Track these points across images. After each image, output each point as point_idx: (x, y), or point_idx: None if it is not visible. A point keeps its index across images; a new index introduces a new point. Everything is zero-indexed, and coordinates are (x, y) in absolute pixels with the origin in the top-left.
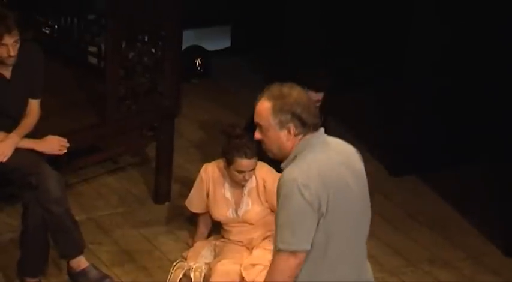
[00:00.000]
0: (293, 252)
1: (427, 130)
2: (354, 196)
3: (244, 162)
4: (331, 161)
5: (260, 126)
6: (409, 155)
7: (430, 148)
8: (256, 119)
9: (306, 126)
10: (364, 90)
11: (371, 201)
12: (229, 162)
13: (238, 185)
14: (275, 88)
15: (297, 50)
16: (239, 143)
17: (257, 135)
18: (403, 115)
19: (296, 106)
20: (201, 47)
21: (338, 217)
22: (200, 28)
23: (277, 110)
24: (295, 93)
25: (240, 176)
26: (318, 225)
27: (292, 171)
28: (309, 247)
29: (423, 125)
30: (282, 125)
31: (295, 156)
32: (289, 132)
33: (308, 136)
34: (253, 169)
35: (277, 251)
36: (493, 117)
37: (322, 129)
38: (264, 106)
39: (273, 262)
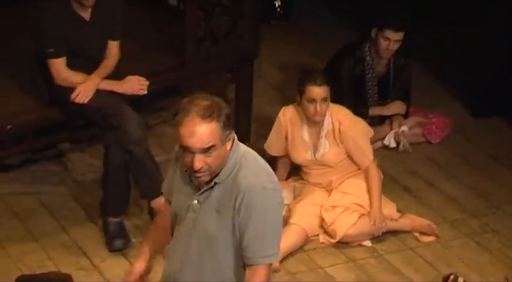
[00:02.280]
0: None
1: (509, 71)
2: None
3: (315, 90)
4: None
5: (209, 149)
6: (492, 96)
7: None
8: (205, 144)
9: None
10: (445, 30)
11: (452, 142)
12: (301, 94)
13: (315, 127)
14: (199, 105)
15: None
16: (310, 72)
17: (200, 163)
18: (486, 55)
19: (226, 109)
20: None
21: None
22: None
23: (224, 124)
24: (213, 98)
25: (312, 108)
26: None
27: (256, 179)
28: None
29: (507, 65)
30: (228, 136)
31: (240, 163)
32: (231, 140)
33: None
34: (325, 100)
35: (260, 266)
36: None
37: None
38: (209, 128)
39: (258, 278)
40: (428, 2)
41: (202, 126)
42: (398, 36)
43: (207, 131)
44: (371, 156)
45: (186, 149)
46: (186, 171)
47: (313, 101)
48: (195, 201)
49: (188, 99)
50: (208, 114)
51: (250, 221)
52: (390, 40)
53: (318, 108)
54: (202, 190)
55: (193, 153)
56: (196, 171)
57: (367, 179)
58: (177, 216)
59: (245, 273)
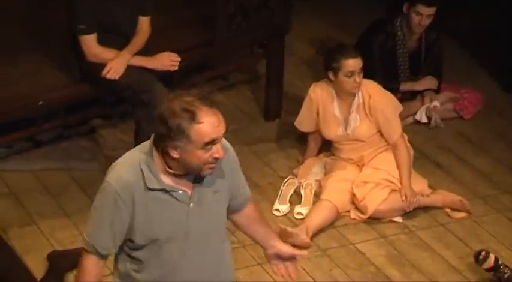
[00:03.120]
0: None
1: None
2: None
3: (350, 62)
4: None
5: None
6: None
7: None
8: (223, 131)
9: None
10: (477, 4)
11: (484, 117)
12: (336, 71)
13: (346, 102)
14: (197, 99)
15: None
16: (340, 47)
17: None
18: None
19: None
20: None
21: None
22: None
23: None
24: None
25: (351, 81)
26: None
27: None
28: None
29: None
30: None
31: None
32: None
33: None
34: (362, 70)
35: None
36: None
37: None
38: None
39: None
40: None
41: (217, 112)
42: (430, 11)
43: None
44: (399, 131)
45: (211, 143)
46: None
47: (351, 74)
48: (192, 205)
49: (175, 104)
50: (209, 101)
51: (239, 172)
52: (422, 15)
53: (358, 79)
54: (195, 189)
55: (217, 143)
56: (216, 161)
57: (395, 154)
58: (169, 240)
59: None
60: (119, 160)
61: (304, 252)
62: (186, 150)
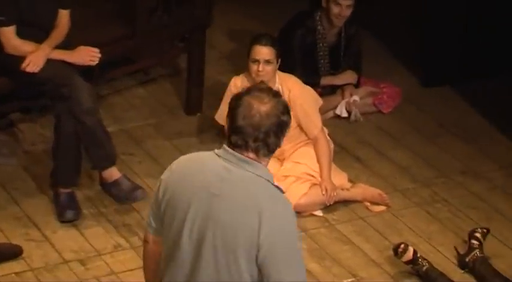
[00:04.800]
0: None
1: (459, 41)
2: None
3: (257, 49)
4: None
5: None
6: (442, 65)
7: (463, 59)
8: None
9: None
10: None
11: (403, 112)
12: (248, 55)
13: None
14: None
15: None
16: (259, 34)
17: None
18: (435, 24)
19: None
20: None
21: None
22: None
23: None
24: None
25: (255, 67)
26: None
27: None
28: None
29: (455, 36)
30: None
31: None
32: None
33: None
34: (269, 62)
35: None
36: None
37: None
38: None
39: None
40: None
41: None
42: (349, 1)
43: None
44: (319, 125)
45: None
46: None
47: (256, 60)
48: None
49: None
50: None
51: None
52: (341, 6)
53: (260, 68)
54: None
55: None
56: None
57: (316, 148)
58: None
59: None
60: (263, 197)
61: None
62: None
